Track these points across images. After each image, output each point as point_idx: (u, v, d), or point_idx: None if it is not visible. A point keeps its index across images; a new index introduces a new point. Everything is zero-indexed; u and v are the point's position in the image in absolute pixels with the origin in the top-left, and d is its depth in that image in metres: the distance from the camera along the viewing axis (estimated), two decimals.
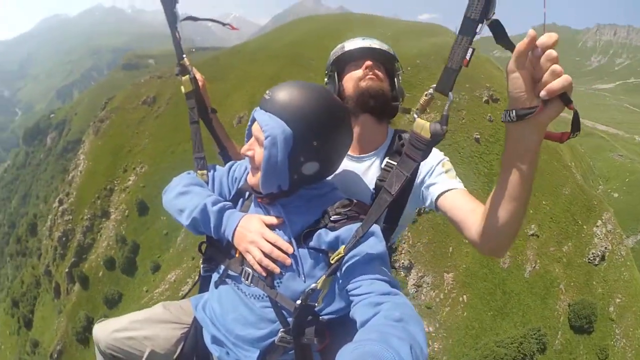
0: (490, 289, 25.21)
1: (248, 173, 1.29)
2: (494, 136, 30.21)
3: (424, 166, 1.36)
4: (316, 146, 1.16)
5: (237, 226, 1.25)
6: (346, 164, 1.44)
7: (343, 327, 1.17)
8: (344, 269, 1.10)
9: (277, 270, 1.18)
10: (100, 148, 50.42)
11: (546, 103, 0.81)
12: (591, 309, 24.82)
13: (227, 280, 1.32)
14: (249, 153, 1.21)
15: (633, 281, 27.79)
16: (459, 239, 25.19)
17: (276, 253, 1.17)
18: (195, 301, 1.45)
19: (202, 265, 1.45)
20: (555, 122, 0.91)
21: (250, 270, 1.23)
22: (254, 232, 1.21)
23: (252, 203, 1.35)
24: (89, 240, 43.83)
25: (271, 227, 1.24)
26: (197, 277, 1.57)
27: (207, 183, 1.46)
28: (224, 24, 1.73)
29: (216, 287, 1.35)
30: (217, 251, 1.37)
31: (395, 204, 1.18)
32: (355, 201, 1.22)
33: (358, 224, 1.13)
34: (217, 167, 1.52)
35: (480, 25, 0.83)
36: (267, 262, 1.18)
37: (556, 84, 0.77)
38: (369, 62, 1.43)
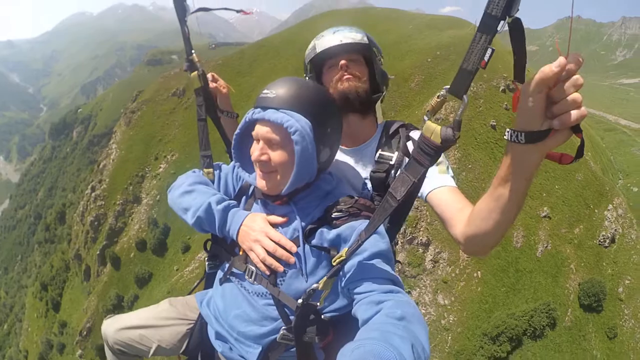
0: (504, 266, 26.02)
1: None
2: (509, 124, 30.74)
3: None
4: (329, 132, 1.20)
5: (241, 225, 1.25)
6: (338, 156, 1.46)
7: (346, 324, 1.16)
8: (346, 267, 1.09)
9: (281, 268, 1.18)
10: (132, 138, 52.22)
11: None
12: (600, 287, 25.38)
13: (231, 277, 1.31)
14: (264, 157, 1.17)
15: None
16: None
17: (280, 252, 1.17)
18: (200, 297, 1.44)
19: (207, 263, 1.47)
20: None
21: (253, 268, 1.23)
22: (258, 231, 1.21)
23: (255, 201, 1.34)
24: (121, 224, 45.43)
25: (275, 225, 1.24)
26: (203, 274, 1.57)
27: (213, 181, 1.45)
28: (237, 11, 1.74)
29: (220, 284, 1.35)
30: (222, 249, 1.38)
31: (401, 206, 1.02)
32: (356, 198, 1.22)
33: (360, 221, 1.15)
34: (223, 165, 1.52)
35: (502, 22, 0.74)
36: (270, 260, 1.18)
37: (573, 116, 0.72)
38: (343, 62, 1.42)
